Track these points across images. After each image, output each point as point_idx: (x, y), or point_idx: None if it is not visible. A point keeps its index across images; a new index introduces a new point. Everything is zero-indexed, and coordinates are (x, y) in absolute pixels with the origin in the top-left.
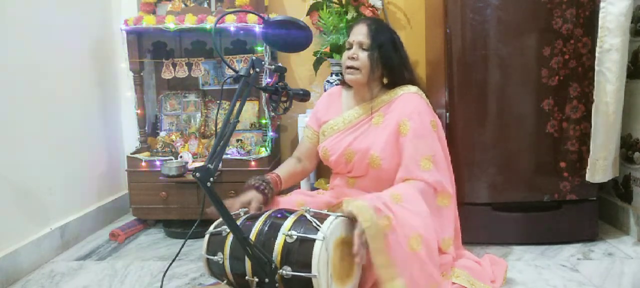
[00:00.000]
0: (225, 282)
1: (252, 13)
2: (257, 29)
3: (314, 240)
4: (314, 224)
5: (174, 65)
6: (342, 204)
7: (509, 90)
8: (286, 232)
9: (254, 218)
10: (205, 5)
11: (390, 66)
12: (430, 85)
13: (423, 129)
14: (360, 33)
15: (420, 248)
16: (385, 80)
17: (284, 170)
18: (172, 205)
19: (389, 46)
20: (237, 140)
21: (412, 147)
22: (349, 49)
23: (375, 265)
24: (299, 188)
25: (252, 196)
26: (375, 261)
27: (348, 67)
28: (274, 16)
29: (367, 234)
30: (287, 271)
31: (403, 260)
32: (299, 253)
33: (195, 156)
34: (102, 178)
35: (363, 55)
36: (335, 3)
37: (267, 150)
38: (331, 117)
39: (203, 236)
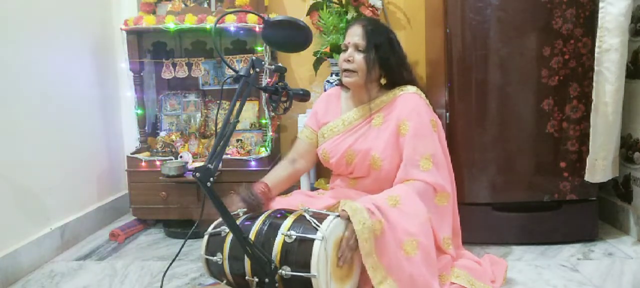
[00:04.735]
0: (224, 282)
1: (252, 13)
2: (257, 29)
3: (313, 240)
4: (313, 224)
5: (174, 65)
6: (339, 205)
7: (509, 90)
8: (285, 232)
9: (253, 218)
10: (205, 5)
11: (387, 66)
12: (430, 85)
13: (423, 129)
14: (355, 34)
15: (416, 253)
16: (383, 81)
17: (274, 177)
18: (172, 205)
19: (385, 46)
20: (237, 140)
21: (411, 147)
22: (345, 50)
23: (366, 266)
24: (299, 188)
25: (237, 206)
26: (365, 263)
27: (345, 70)
28: (274, 16)
29: (359, 236)
30: (286, 271)
31: (396, 264)
32: (298, 253)
33: (195, 156)
34: (102, 178)
35: (359, 57)
36: (335, 3)
37: (267, 150)
38: (330, 118)
39: (203, 236)
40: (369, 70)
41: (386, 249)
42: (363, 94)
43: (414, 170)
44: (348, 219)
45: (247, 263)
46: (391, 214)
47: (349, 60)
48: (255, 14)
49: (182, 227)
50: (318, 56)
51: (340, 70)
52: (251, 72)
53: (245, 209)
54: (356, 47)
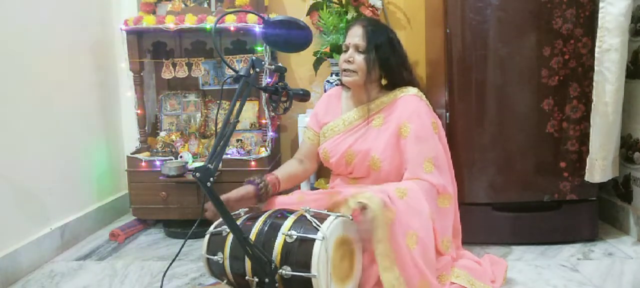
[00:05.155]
0: (225, 281)
1: (252, 13)
2: (257, 29)
3: (314, 240)
4: (314, 224)
5: (174, 65)
6: (337, 196)
7: (509, 90)
8: (286, 232)
9: (254, 218)
10: (205, 5)
11: (388, 67)
12: (430, 85)
13: (424, 131)
14: (356, 35)
15: (415, 248)
16: (383, 82)
17: (284, 171)
18: (172, 205)
19: (386, 47)
20: (237, 140)
21: (413, 150)
22: (345, 51)
23: (376, 253)
24: (299, 188)
25: (245, 189)
26: (377, 249)
27: (344, 70)
28: (274, 16)
29: (375, 223)
30: (286, 271)
31: (400, 254)
32: (299, 253)
33: (195, 156)
34: (102, 178)
35: (359, 58)
36: (335, 3)
37: (267, 150)
38: (331, 118)
39: (203, 236)
40: (368, 71)
41: (396, 238)
42: (363, 94)
43: (418, 173)
44: (362, 208)
45: (248, 263)
46: (399, 205)
47: (349, 61)
48: (255, 14)
49: (182, 227)
50: (318, 56)
51: (340, 70)
52: (251, 72)
53: (246, 209)
54: (356, 48)
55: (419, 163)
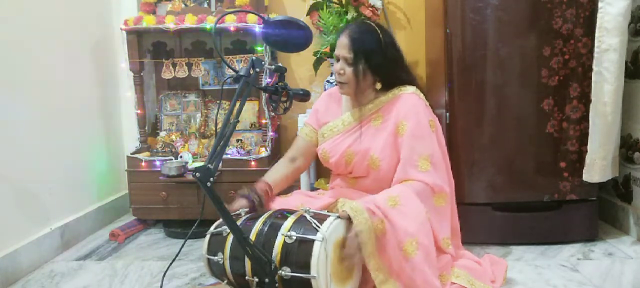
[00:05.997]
0: (225, 282)
1: (252, 13)
2: (257, 29)
3: (313, 240)
4: (314, 225)
5: (174, 65)
6: (337, 203)
7: (509, 90)
8: (285, 232)
9: (254, 218)
10: (205, 5)
11: (381, 72)
12: (430, 85)
13: (420, 129)
14: (343, 47)
15: (416, 254)
16: (378, 86)
17: (274, 176)
18: (172, 205)
19: (375, 53)
20: (237, 140)
21: (409, 148)
22: (337, 61)
23: (369, 268)
24: (299, 188)
25: (239, 204)
26: (368, 264)
27: (338, 81)
28: (274, 16)
29: (360, 237)
30: (286, 272)
31: (398, 265)
32: (299, 253)
33: (195, 156)
34: (102, 178)
35: (348, 70)
36: (335, 3)
37: (267, 150)
38: (330, 118)
39: (203, 236)
40: (358, 82)
41: (387, 249)
42: (361, 97)
43: (412, 171)
44: (348, 219)
45: (248, 263)
46: (391, 215)
47: (340, 73)
48: (255, 14)
49: (182, 227)
50: (318, 56)
51: (336, 80)
52: (251, 72)
53: (247, 209)
54: (345, 61)
55: (414, 162)
